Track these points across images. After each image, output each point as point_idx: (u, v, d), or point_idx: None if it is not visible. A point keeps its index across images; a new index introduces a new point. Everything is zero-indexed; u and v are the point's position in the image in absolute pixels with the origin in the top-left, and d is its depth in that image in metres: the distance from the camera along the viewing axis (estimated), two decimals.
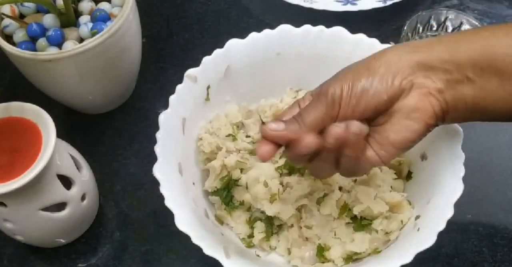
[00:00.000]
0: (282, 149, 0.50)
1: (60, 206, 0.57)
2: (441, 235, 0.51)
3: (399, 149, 0.49)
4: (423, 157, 0.59)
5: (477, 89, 0.47)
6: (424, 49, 0.48)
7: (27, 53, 0.58)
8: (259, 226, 0.60)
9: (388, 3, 0.75)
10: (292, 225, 0.59)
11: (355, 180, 0.59)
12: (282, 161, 0.61)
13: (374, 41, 0.61)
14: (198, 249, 0.51)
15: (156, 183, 0.54)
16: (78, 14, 0.63)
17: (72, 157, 0.58)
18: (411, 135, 0.48)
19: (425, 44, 0.49)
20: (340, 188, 0.59)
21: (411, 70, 0.47)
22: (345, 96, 0.48)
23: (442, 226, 0.51)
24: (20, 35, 0.61)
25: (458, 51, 0.47)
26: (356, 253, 0.56)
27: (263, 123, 0.49)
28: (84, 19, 0.62)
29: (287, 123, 0.49)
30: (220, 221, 0.61)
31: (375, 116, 0.49)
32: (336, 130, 0.46)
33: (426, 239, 0.51)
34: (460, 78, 0.47)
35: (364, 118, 0.49)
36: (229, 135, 0.63)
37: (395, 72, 0.47)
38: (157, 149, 0.56)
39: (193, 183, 0.61)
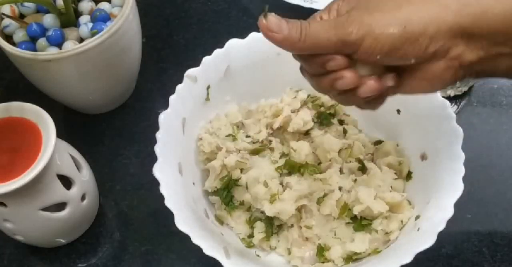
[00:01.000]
0: None
1: (60, 206, 0.57)
2: (441, 235, 0.51)
3: (410, 94, 0.47)
4: (423, 157, 0.59)
5: None
6: (476, 9, 0.42)
7: (27, 53, 0.58)
8: (259, 226, 0.60)
9: None
10: (292, 225, 0.59)
11: (355, 180, 0.59)
12: (282, 161, 0.61)
13: None
14: (198, 249, 0.51)
15: (156, 183, 0.54)
16: (78, 14, 0.63)
17: (72, 157, 0.58)
18: (424, 92, 0.47)
19: (475, 1, 0.42)
20: (340, 188, 0.59)
21: (453, 36, 0.42)
22: (367, 48, 0.43)
23: (442, 226, 0.51)
24: (20, 35, 0.61)
25: None
26: (356, 253, 0.56)
27: (265, 17, 0.45)
28: (84, 19, 0.62)
29: (289, 27, 0.44)
30: (220, 221, 0.61)
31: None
32: (371, 85, 0.45)
33: (426, 239, 0.51)
34: (506, 51, 0.43)
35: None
36: (229, 135, 0.63)
37: (433, 35, 0.42)
38: (157, 149, 0.56)
39: (193, 183, 0.61)
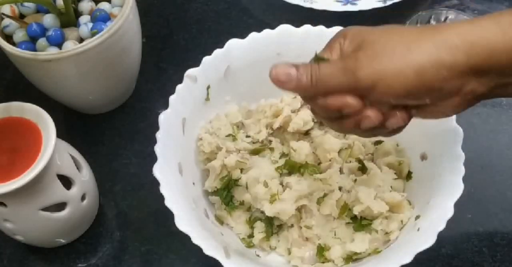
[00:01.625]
0: None
1: (60, 206, 0.57)
2: (441, 235, 0.51)
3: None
4: (423, 157, 0.59)
5: None
6: (484, 49, 0.42)
7: (27, 53, 0.58)
8: (259, 226, 0.60)
9: (388, 3, 0.75)
10: (292, 225, 0.59)
11: (355, 180, 0.59)
12: (282, 161, 0.61)
13: None
14: (198, 249, 0.51)
15: (156, 183, 0.54)
16: (78, 14, 0.63)
17: (72, 157, 0.58)
18: (437, 118, 0.48)
19: (483, 39, 0.42)
20: (340, 188, 0.59)
21: (465, 75, 0.42)
22: (380, 93, 0.43)
23: (442, 226, 0.51)
24: (20, 35, 0.61)
25: None
26: (356, 253, 0.56)
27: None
28: (84, 19, 0.62)
29: (298, 74, 0.44)
30: (220, 221, 0.61)
31: None
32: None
33: (426, 239, 0.51)
34: None
35: None
36: (229, 135, 0.63)
37: (446, 78, 0.42)
38: (157, 149, 0.56)
39: (193, 183, 0.61)
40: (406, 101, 0.44)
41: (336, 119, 0.47)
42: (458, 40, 0.42)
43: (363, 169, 0.60)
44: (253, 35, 0.63)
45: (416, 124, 0.59)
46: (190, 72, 0.61)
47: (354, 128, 0.46)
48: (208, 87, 0.62)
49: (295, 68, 0.45)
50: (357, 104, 0.44)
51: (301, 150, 0.60)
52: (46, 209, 0.56)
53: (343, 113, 0.45)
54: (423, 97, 0.44)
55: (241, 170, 0.60)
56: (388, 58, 0.43)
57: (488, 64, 0.42)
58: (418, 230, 0.54)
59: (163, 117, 0.58)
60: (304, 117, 0.62)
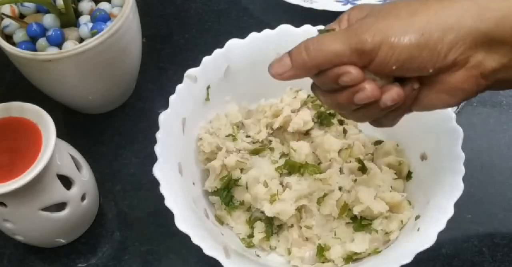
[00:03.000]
0: None
1: (60, 206, 0.57)
2: (441, 235, 0.51)
3: (429, 110, 0.46)
4: (423, 157, 0.59)
5: None
6: (497, 14, 0.40)
7: (27, 53, 0.58)
8: (259, 226, 0.60)
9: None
10: (292, 225, 0.59)
11: (355, 180, 0.59)
12: (282, 161, 0.61)
13: None
14: (198, 249, 0.51)
15: (156, 183, 0.54)
16: (78, 14, 0.63)
17: (72, 157, 0.58)
18: (444, 107, 0.45)
19: (494, 4, 0.40)
20: (340, 188, 0.59)
21: (472, 43, 0.40)
22: (383, 57, 0.41)
23: (442, 226, 0.51)
24: (20, 35, 0.61)
25: None
26: (356, 253, 0.56)
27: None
28: (84, 19, 0.62)
29: (292, 56, 0.43)
30: (220, 221, 0.61)
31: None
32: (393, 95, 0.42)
33: (426, 239, 0.51)
34: None
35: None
36: (229, 135, 0.63)
37: (452, 42, 0.40)
38: (157, 149, 0.56)
39: (193, 183, 0.61)
40: (408, 67, 0.41)
41: (331, 92, 0.44)
42: (467, 4, 0.40)
43: (363, 169, 0.60)
44: (253, 35, 0.63)
45: (416, 124, 0.59)
46: (190, 72, 0.61)
47: (348, 103, 0.43)
48: (208, 87, 0.62)
49: (288, 54, 0.44)
50: (356, 72, 0.42)
51: (301, 150, 0.60)
52: (46, 209, 0.56)
53: (341, 83, 0.42)
54: (427, 64, 0.41)
55: (241, 170, 0.60)
56: (393, 20, 0.41)
57: (498, 31, 0.40)
58: (418, 230, 0.54)
59: (163, 117, 0.58)
60: (304, 117, 0.61)
